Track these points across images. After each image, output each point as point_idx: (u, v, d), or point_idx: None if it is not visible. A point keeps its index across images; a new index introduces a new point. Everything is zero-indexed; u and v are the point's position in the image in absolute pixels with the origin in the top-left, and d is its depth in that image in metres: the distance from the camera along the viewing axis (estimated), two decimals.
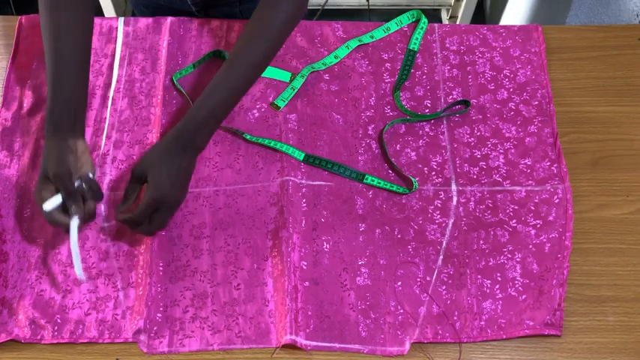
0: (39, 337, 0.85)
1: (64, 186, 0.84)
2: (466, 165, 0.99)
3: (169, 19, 1.11)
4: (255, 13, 0.91)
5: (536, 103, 1.04)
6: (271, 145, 0.99)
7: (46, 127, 0.86)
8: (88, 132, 1.00)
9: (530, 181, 0.97)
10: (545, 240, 0.93)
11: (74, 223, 0.84)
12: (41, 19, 0.89)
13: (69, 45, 0.88)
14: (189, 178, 0.89)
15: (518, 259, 0.91)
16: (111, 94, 1.04)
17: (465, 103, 1.04)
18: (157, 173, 0.85)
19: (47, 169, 0.84)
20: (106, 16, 1.88)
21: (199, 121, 0.87)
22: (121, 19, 1.11)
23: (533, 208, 0.95)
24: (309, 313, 0.87)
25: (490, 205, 0.96)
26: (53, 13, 0.88)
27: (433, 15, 2.26)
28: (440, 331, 0.87)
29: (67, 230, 0.84)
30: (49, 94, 0.86)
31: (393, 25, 1.11)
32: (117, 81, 1.05)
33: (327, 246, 0.92)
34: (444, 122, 1.03)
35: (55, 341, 0.85)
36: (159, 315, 0.87)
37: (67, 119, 0.86)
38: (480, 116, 1.03)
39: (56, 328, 0.86)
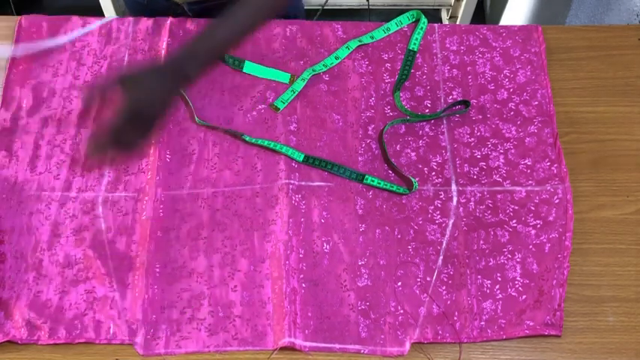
0: (35, 338, 0.85)
1: None
2: (466, 165, 0.99)
3: (169, 19, 1.11)
4: None
5: (536, 103, 1.04)
6: (271, 146, 0.99)
7: None
8: (85, 135, 1.00)
9: (530, 182, 0.97)
10: (545, 240, 0.92)
11: None
12: None
13: None
14: (169, 103, 0.86)
15: (518, 260, 0.91)
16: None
17: (465, 103, 1.03)
18: (137, 86, 0.82)
19: None
20: (106, 16, 1.88)
21: (192, 50, 0.86)
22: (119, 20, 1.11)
23: (533, 208, 0.95)
24: (309, 314, 0.87)
25: (490, 205, 0.95)
26: None
27: (433, 15, 2.26)
28: (440, 332, 0.87)
29: None
30: None
31: (392, 26, 1.11)
32: None
33: (327, 247, 0.92)
34: (444, 122, 1.02)
35: (51, 342, 0.85)
36: (155, 316, 0.87)
37: None
38: (480, 116, 1.03)
39: (52, 328, 0.86)
